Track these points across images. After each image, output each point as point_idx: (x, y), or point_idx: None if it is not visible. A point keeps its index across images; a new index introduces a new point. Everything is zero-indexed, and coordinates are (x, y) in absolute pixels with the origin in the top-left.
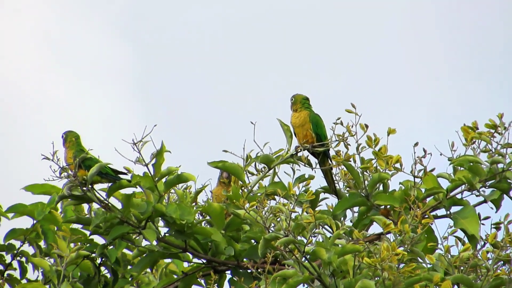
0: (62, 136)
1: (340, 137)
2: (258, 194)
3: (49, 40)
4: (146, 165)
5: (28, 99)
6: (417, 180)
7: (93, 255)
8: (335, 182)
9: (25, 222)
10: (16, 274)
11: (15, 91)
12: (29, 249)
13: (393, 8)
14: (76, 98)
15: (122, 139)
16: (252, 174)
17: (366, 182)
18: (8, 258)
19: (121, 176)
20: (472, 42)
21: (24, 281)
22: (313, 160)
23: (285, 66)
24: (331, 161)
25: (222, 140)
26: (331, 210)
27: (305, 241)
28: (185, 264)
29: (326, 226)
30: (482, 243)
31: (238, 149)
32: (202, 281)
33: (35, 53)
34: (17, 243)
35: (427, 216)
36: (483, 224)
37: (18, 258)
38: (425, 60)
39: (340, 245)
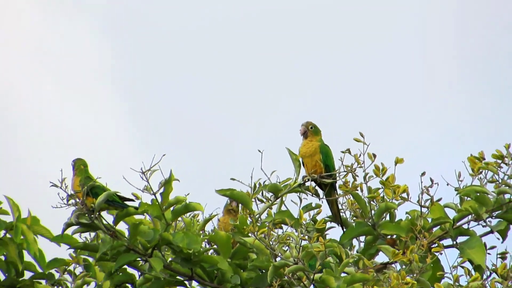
0: (72, 163)
1: (349, 168)
2: (266, 223)
3: (30, 43)
4: (154, 194)
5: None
6: (424, 209)
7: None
8: (341, 211)
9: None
10: None
11: None
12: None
13: (406, 13)
14: (59, 104)
15: (130, 167)
16: (262, 201)
17: (373, 211)
18: None
19: (128, 203)
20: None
21: None
22: (320, 191)
23: (292, 90)
24: (337, 192)
25: (225, 160)
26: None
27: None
28: None
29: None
30: (488, 273)
31: (243, 175)
32: None
33: (21, 58)
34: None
35: (436, 245)
36: (489, 253)
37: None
38: (436, 85)
39: (348, 274)
